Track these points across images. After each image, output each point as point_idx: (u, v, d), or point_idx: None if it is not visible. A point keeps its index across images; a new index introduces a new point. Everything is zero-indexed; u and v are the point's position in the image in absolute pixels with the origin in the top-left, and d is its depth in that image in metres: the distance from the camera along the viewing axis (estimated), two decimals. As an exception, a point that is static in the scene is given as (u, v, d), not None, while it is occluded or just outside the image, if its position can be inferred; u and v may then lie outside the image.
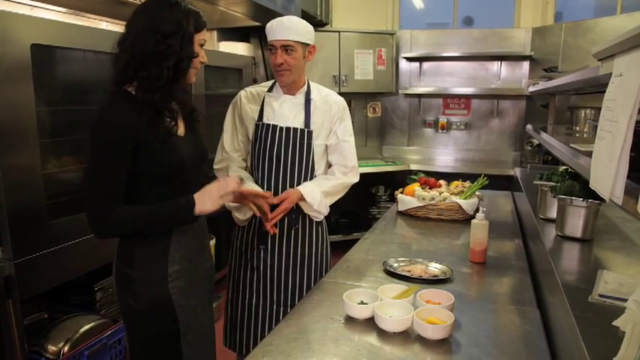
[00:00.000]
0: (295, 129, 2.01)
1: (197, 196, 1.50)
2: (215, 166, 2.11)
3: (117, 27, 3.10)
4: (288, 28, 1.90)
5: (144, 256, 1.50)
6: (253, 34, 4.44)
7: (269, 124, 2.01)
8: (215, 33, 4.09)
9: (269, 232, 1.96)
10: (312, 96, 2.06)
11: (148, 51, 1.39)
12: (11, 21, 1.82)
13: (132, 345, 1.59)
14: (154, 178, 1.48)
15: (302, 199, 1.98)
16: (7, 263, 1.82)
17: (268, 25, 1.94)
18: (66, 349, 2.06)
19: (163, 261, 1.51)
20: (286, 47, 1.91)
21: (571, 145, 1.63)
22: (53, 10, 2.69)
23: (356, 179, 2.16)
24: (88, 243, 2.17)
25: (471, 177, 2.93)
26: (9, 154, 1.82)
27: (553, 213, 1.84)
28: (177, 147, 1.49)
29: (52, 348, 2.07)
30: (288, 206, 1.95)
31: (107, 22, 3.10)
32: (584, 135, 2.66)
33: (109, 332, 2.22)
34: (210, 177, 1.94)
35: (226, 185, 1.54)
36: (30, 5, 2.53)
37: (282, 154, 2.00)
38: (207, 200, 1.50)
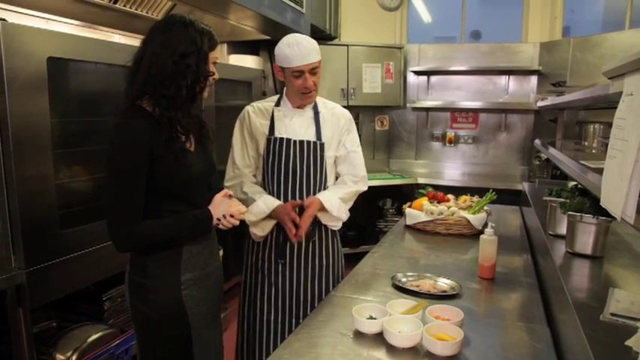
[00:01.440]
0: (308, 142, 2.03)
1: (212, 208, 1.56)
2: (226, 183, 2.09)
3: (129, 40, 3.15)
4: (311, 49, 1.91)
5: (157, 265, 1.53)
6: (262, 47, 4.48)
7: (282, 138, 2.02)
8: (225, 46, 4.13)
9: (287, 247, 2.01)
10: (320, 109, 2.09)
11: (165, 70, 1.42)
12: (29, 35, 1.86)
13: (144, 353, 1.61)
14: (166, 192, 1.51)
15: (321, 207, 2.00)
16: (19, 272, 1.84)
17: (287, 50, 1.89)
18: (74, 358, 2.07)
19: (176, 270, 1.54)
20: (313, 69, 1.93)
21: (581, 161, 1.63)
22: (67, 23, 2.73)
23: (365, 188, 2.21)
24: (97, 253, 2.19)
25: (479, 191, 2.93)
26: (24, 165, 1.85)
27: (562, 229, 1.84)
28: (189, 163, 1.52)
29: (60, 357, 2.07)
30: (314, 212, 1.97)
31: (120, 34, 3.15)
32: (593, 150, 2.67)
33: (117, 342, 2.22)
34: (220, 189, 1.96)
35: (229, 208, 1.58)
36: (45, 18, 2.58)
37: (297, 167, 2.02)
38: (219, 212, 1.56)
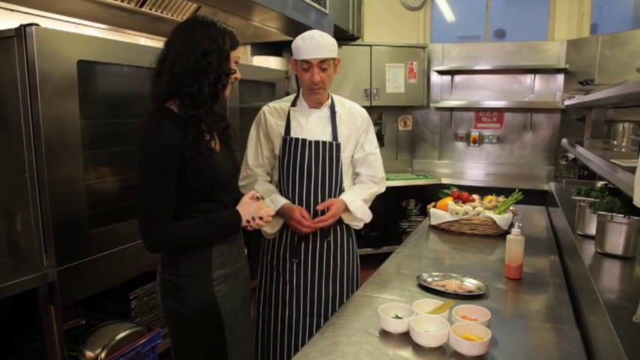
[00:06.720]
0: (324, 142, 2.03)
1: (241, 210, 1.58)
2: (240, 183, 2.10)
3: (155, 42, 3.20)
4: (323, 45, 1.90)
5: (189, 264, 1.55)
6: (285, 48, 4.50)
7: (298, 138, 2.02)
8: (249, 47, 4.17)
9: (301, 246, 2.00)
10: (337, 109, 2.08)
11: (188, 69, 1.44)
12: (60, 39, 1.91)
13: (178, 351, 1.63)
14: (196, 193, 1.53)
15: (345, 208, 2.01)
16: (50, 270, 1.89)
17: (300, 42, 1.92)
18: (103, 355, 2.11)
19: (208, 267, 1.56)
20: (323, 64, 1.92)
21: (612, 160, 1.60)
22: (96, 27, 2.79)
23: (384, 189, 2.21)
24: (125, 252, 2.23)
25: (503, 191, 2.89)
26: (55, 166, 1.90)
27: (592, 229, 1.80)
28: (216, 163, 1.54)
29: (89, 354, 2.12)
30: (337, 213, 1.98)
31: (146, 37, 3.21)
32: (623, 149, 2.60)
33: (144, 340, 2.26)
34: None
35: (258, 210, 1.60)
36: (75, 23, 2.64)
37: (312, 168, 2.02)
38: (248, 214, 1.59)
